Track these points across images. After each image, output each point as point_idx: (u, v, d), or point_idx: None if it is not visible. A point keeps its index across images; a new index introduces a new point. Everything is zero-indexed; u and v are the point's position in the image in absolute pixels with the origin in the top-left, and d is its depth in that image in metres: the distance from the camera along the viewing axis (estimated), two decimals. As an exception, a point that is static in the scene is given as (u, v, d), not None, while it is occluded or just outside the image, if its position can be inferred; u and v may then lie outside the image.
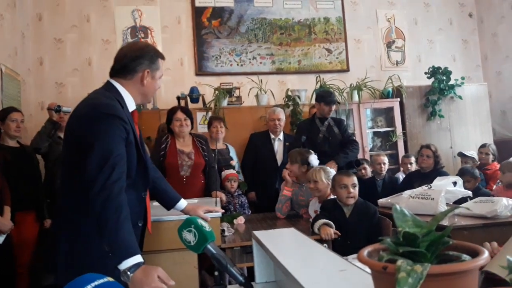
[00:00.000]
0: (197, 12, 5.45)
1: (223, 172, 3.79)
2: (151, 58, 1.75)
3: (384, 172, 4.37)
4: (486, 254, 0.77)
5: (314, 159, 3.48)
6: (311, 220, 3.21)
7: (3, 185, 2.93)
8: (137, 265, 1.41)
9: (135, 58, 1.72)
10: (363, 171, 4.54)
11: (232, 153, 4.35)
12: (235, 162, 4.22)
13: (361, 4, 6.02)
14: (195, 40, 5.42)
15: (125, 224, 1.47)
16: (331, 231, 2.68)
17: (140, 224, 1.75)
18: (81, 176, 1.53)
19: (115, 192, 1.49)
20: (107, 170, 1.50)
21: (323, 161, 3.61)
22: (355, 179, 2.88)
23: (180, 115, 3.36)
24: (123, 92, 1.72)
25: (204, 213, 2.11)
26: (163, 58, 1.80)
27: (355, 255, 2.26)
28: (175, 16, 5.43)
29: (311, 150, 3.57)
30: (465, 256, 0.78)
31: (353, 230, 2.75)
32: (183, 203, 2.11)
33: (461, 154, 4.69)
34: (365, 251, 0.84)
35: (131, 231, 1.50)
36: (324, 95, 4.09)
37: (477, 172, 3.92)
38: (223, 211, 2.77)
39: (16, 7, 4.53)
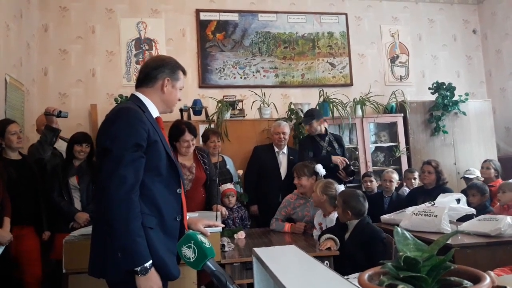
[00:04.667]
0: (202, 25, 5.49)
1: (220, 187, 3.74)
2: (172, 68, 1.89)
3: (392, 189, 4.34)
4: (487, 280, 0.75)
5: (320, 168, 3.53)
6: (314, 231, 3.20)
7: (5, 197, 2.92)
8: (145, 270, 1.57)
9: (156, 67, 1.86)
10: (369, 184, 4.52)
11: (229, 165, 4.31)
12: (241, 172, 4.19)
13: (365, 19, 6.06)
14: (199, 53, 5.45)
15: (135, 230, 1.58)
16: (331, 245, 2.69)
17: (178, 219, 1.80)
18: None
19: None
20: (117, 178, 1.58)
21: (328, 176, 3.63)
22: (338, 200, 2.89)
23: (188, 137, 3.27)
24: (144, 100, 1.83)
25: (205, 227, 2.08)
26: (184, 71, 1.95)
27: (356, 274, 2.23)
28: (179, 28, 5.47)
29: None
30: (467, 282, 0.77)
31: (350, 251, 2.69)
32: None
33: (464, 179, 4.65)
34: (366, 275, 0.82)
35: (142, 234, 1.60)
36: (303, 116, 4.21)
37: (486, 188, 3.87)
38: (223, 225, 2.74)
39: (22, 18, 4.58)
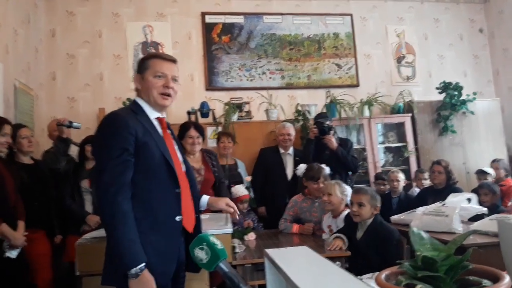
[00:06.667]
0: (208, 28, 5.51)
1: (233, 189, 3.73)
2: (139, 64, 1.89)
3: (399, 189, 4.32)
4: (507, 279, 0.74)
5: (327, 168, 3.58)
6: (323, 235, 3.19)
7: (18, 200, 2.95)
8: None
9: None
10: (382, 187, 4.51)
11: (241, 169, 4.32)
12: (249, 178, 4.19)
13: (371, 20, 6.05)
14: (206, 56, 5.46)
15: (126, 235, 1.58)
16: (339, 245, 2.70)
17: (178, 219, 1.77)
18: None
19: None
20: (102, 185, 1.62)
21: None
22: (362, 198, 2.77)
23: (193, 132, 3.30)
24: (140, 102, 1.85)
25: (226, 205, 2.09)
26: (154, 57, 1.87)
27: (369, 275, 2.21)
28: (185, 32, 5.49)
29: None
30: (486, 282, 0.76)
31: (364, 251, 2.67)
32: (204, 199, 2.08)
33: (480, 171, 4.58)
34: (383, 274, 0.82)
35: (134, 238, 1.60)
36: (315, 119, 4.31)
37: (497, 188, 3.85)
38: (235, 227, 2.74)
39: (30, 23, 4.62)
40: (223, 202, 2.07)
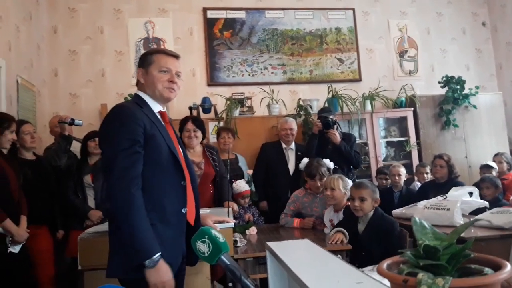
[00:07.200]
0: (209, 24, 5.50)
1: (234, 184, 3.73)
2: (142, 58, 1.88)
3: (401, 183, 4.32)
4: (508, 267, 0.75)
5: (330, 163, 3.58)
6: (325, 229, 3.20)
7: (21, 196, 2.96)
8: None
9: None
10: (384, 182, 4.51)
11: (242, 163, 4.33)
12: (251, 171, 4.21)
13: (373, 14, 6.03)
14: (207, 51, 5.46)
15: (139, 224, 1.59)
16: (340, 238, 2.71)
17: (184, 211, 1.78)
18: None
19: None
20: (114, 177, 1.61)
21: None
22: (364, 193, 2.77)
23: (189, 126, 3.32)
24: (143, 96, 1.85)
25: (215, 223, 2.09)
26: (158, 52, 1.88)
27: (371, 267, 2.22)
28: (187, 27, 5.48)
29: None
30: (487, 270, 0.77)
31: (366, 245, 2.68)
32: None
33: (484, 166, 4.55)
34: (385, 264, 0.82)
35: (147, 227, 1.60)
36: (318, 113, 4.33)
37: (498, 181, 3.85)
38: (235, 221, 2.74)
39: (32, 20, 4.62)
40: (210, 219, 2.07)
